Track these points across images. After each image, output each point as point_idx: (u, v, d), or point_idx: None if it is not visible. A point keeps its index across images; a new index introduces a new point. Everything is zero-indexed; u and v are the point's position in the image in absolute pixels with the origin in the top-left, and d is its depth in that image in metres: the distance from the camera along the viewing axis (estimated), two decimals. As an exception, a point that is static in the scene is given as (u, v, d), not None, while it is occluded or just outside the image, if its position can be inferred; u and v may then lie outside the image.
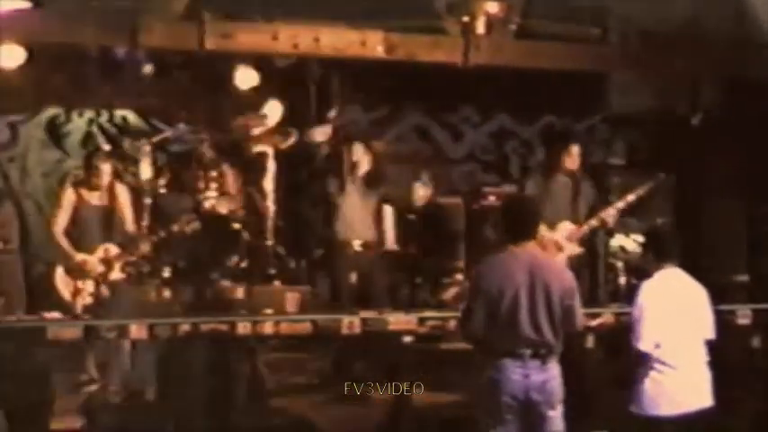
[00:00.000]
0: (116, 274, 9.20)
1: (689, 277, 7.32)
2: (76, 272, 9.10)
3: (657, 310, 7.03)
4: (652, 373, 7.03)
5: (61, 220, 9.26)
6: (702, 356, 7.21)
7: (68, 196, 9.33)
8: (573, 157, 9.48)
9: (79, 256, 9.11)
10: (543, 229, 8.51)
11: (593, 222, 9.38)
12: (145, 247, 9.59)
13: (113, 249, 9.15)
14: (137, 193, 10.31)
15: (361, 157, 9.84)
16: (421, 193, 10.42)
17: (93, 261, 9.10)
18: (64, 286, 9.09)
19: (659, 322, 7.01)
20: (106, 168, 9.39)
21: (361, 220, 9.63)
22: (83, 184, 9.41)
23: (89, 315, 8.92)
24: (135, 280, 9.94)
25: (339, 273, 9.69)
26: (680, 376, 7.05)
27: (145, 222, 10.03)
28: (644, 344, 6.99)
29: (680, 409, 7.04)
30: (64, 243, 9.21)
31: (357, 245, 9.57)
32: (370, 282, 9.70)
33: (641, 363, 7.04)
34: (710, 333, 7.25)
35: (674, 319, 7.05)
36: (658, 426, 7.03)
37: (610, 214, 9.36)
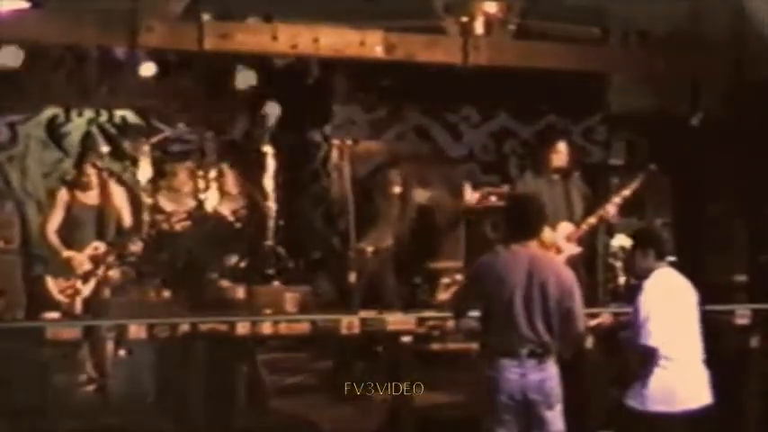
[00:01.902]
0: (107, 272, 9.18)
1: (681, 276, 7.36)
2: (65, 270, 9.10)
3: (662, 307, 7.06)
4: (657, 370, 7.04)
5: (54, 220, 9.27)
6: (701, 354, 7.24)
7: (61, 196, 9.35)
8: (560, 155, 9.47)
9: (66, 254, 9.12)
10: (546, 231, 8.51)
11: (591, 221, 9.36)
12: (135, 246, 9.59)
13: (102, 247, 9.15)
14: (134, 192, 10.33)
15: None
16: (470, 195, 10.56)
17: (79, 258, 9.10)
18: (55, 288, 9.09)
19: (665, 320, 7.03)
20: (92, 170, 9.39)
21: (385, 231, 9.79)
22: (76, 185, 9.42)
23: (86, 314, 8.93)
24: (131, 279, 9.97)
25: (350, 276, 9.74)
26: (684, 373, 7.08)
27: (141, 222, 10.05)
28: (654, 339, 7.00)
29: (684, 405, 7.07)
30: (53, 241, 9.22)
31: (370, 251, 9.65)
32: (379, 283, 9.78)
33: (648, 360, 7.04)
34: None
35: (677, 317, 7.11)
36: (662, 423, 7.04)
37: (607, 211, 9.34)
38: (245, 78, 11.03)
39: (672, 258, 11.17)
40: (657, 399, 7.05)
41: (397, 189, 10.06)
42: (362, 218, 10.15)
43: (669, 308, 7.08)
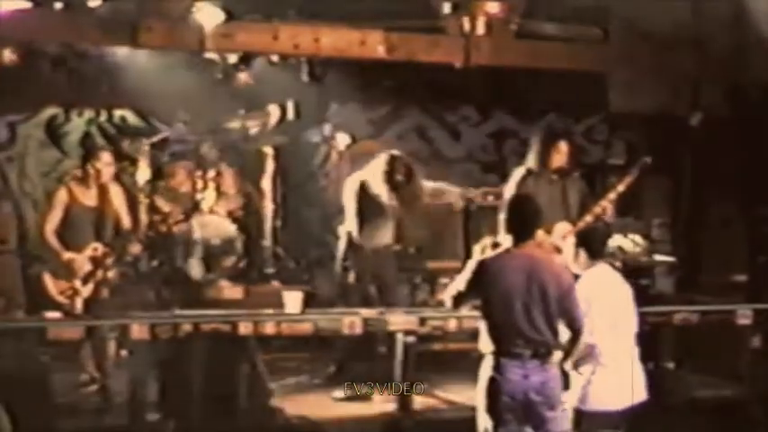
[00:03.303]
0: (106, 273, 9.17)
1: (617, 273, 7.38)
2: (65, 272, 9.09)
3: (600, 304, 7.03)
4: (598, 369, 7.03)
5: (52, 220, 9.24)
6: (636, 351, 7.25)
7: (61, 196, 9.31)
8: (562, 154, 9.45)
9: (66, 255, 9.10)
10: (540, 233, 8.51)
11: (588, 218, 9.35)
12: (134, 247, 9.59)
13: (101, 248, 9.13)
14: (133, 193, 10.32)
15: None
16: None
17: (79, 259, 9.09)
18: (54, 288, 9.08)
19: (599, 318, 7.00)
20: (107, 168, 9.37)
21: (387, 228, 9.78)
22: (78, 183, 9.39)
23: (86, 314, 8.92)
24: (130, 279, 9.96)
25: (355, 274, 9.75)
26: (623, 370, 7.08)
27: (140, 223, 10.03)
28: (594, 336, 6.96)
29: (625, 403, 7.08)
30: (53, 242, 9.19)
31: (370, 248, 9.65)
32: (380, 282, 9.78)
33: (588, 358, 7.02)
34: (636, 327, 7.32)
35: (611, 315, 7.07)
36: (602, 421, 7.02)
37: (603, 207, 9.32)
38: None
39: (670, 259, 11.35)
40: (599, 398, 7.03)
41: (399, 177, 9.92)
42: (361, 214, 10.06)
43: (602, 306, 7.02)
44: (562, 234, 9.23)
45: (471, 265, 6.81)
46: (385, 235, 9.81)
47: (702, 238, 11.54)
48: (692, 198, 11.71)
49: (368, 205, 9.68)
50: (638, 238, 11.55)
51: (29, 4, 8.88)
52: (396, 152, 9.97)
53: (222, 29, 9.36)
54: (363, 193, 9.69)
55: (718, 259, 11.15)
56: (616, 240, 11.30)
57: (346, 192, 9.84)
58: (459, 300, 6.83)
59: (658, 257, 11.42)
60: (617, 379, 7.06)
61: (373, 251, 9.71)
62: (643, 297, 10.14)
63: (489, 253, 6.84)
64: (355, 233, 9.70)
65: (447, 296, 6.93)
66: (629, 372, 7.15)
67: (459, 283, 6.84)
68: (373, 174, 9.74)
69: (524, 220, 6.83)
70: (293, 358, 10.18)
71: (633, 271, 10.92)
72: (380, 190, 9.67)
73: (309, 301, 9.49)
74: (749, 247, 11.24)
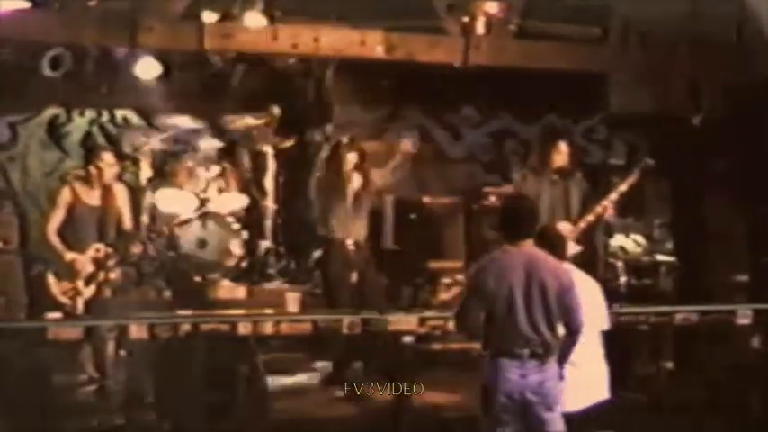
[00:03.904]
0: (108, 274, 9.18)
1: (582, 273, 7.37)
2: (67, 272, 9.10)
3: None
4: None
5: (56, 220, 9.26)
6: (600, 349, 7.26)
7: (65, 195, 9.33)
8: (562, 155, 9.46)
9: (69, 256, 9.11)
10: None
11: (590, 218, 9.36)
12: (137, 248, 9.59)
13: (103, 249, 9.14)
14: (135, 193, 10.32)
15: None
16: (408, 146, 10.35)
17: (82, 260, 9.10)
18: (57, 289, 9.09)
19: None
20: (109, 169, 9.39)
21: (355, 219, 9.68)
22: (81, 183, 9.40)
23: (87, 315, 8.94)
24: (132, 280, 9.97)
25: (336, 272, 9.71)
26: (582, 371, 7.04)
27: (142, 223, 10.04)
28: None
29: (583, 403, 7.08)
30: (56, 242, 9.20)
31: (350, 244, 9.59)
32: (367, 281, 9.73)
33: None
34: (606, 324, 7.32)
35: None
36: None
37: (604, 207, 9.33)
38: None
39: (671, 259, 11.34)
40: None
41: (352, 160, 9.80)
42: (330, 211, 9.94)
43: None
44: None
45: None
46: (360, 229, 9.75)
47: (703, 238, 11.51)
48: (693, 198, 11.69)
49: (335, 201, 9.64)
50: (639, 239, 11.56)
51: (28, 4, 8.90)
52: (344, 138, 9.94)
53: (222, 29, 9.37)
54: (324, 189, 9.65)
55: (719, 259, 11.13)
56: (618, 240, 11.33)
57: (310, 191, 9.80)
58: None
59: (660, 258, 11.42)
60: (575, 383, 6.97)
61: (355, 246, 9.66)
62: (645, 297, 10.20)
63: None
64: (327, 231, 9.67)
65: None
66: (589, 372, 7.15)
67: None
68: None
69: (520, 219, 6.82)
70: (292, 358, 10.19)
71: (635, 270, 10.98)
72: (332, 181, 9.63)
73: (311, 302, 9.52)
74: (750, 247, 11.23)
